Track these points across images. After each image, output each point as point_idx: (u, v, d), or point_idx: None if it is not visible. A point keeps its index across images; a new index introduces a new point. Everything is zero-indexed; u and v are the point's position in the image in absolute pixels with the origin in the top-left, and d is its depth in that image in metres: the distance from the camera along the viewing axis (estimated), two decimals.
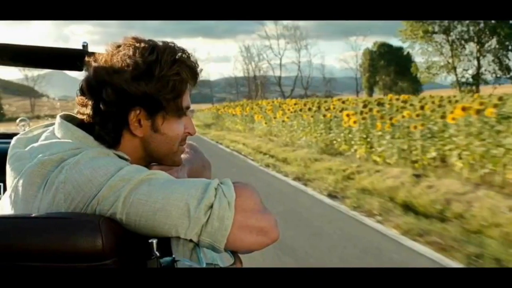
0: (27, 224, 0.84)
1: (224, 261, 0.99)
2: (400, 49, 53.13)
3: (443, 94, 15.81)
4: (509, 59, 38.81)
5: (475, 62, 39.08)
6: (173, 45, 1.02)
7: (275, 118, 15.41)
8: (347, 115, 9.21)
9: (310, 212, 5.98)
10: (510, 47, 38.49)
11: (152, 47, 0.99)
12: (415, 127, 7.27)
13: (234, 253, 0.94)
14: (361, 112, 9.13)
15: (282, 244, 4.15)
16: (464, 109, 6.33)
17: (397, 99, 11.76)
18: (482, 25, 37.98)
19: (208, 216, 0.89)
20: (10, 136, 1.22)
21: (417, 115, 7.62)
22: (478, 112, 6.18)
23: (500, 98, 8.36)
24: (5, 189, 1.00)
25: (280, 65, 71.04)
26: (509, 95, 11.36)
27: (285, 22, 70.51)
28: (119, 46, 1.01)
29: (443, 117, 7.20)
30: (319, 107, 12.82)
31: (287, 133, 13.79)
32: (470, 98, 12.61)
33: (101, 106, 0.97)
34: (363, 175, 7.38)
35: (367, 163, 8.24)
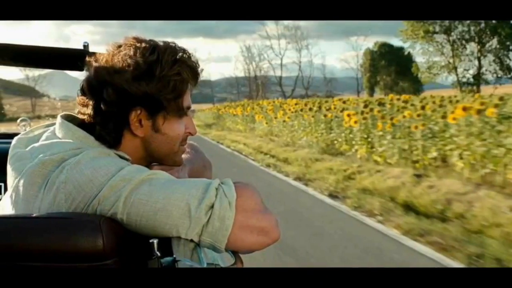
0: (28, 224, 0.84)
1: (225, 261, 0.99)
2: (401, 49, 53.16)
3: (444, 94, 15.81)
4: (510, 59, 38.83)
5: (476, 62, 39.07)
6: (174, 45, 1.02)
7: (276, 118, 15.41)
8: (348, 115, 9.22)
9: (311, 212, 5.98)
10: (511, 47, 38.46)
11: (153, 47, 0.99)
12: (416, 127, 7.27)
13: (235, 253, 0.94)
14: (362, 112, 9.12)
15: (283, 244, 4.15)
16: (465, 109, 6.33)
17: (398, 99, 11.77)
18: (483, 25, 37.95)
19: (209, 216, 0.89)
20: (11, 136, 1.22)
21: (418, 115, 7.62)
22: (479, 112, 6.18)
23: (501, 98, 8.36)
24: (6, 189, 1.00)
25: (281, 65, 71.10)
26: (510, 95, 11.34)
27: (286, 22, 70.59)
28: (120, 46, 1.01)
29: (444, 117, 7.20)
30: (320, 107, 12.82)
31: (288, 133, 13.79)
32: (471, 98, 12.61)
33: (102, 106, 0.97)
34: (364, 175, 7.37)
35: (368, 163, 8.24)
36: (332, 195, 6.62)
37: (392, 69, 53.16)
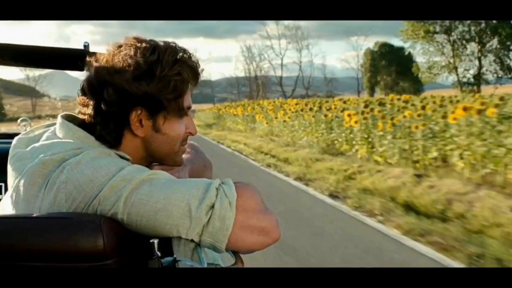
0: (29, 224, 0.84)
1: (226, 261, 0.99)
2: (401, 49, 53.15)
3: (444, 94, 15.81)
4: (510, 59, 38.80)
5: (476, 62, 39.04)
6: (174, 45, 1.02)
7: (276, 118, 15.41)
8: (349, 115, 9.22)
9: (312, 212, 5.98)
10: (511, 47, 38.44)
11: (153, 47, 0.99)
12: (417, 127, 7.27)
13: (236, 253, 0.94)
14: (363, 112, 9.12)
15: (283, 244, 4.15)
16: (465, 109, 6.33)
17: (399, 99, 11.76)
18: (483, 25, 37.93)
19: (209, 216, 0.89)
20: (12, 136, 1.22)
21: (419, 115, 7.62)
22: (480, 112, 6.17)
23: (502, 98, 8.36)
24: (6, 189, 1.00)
25: (282, 65, 71.05)
26: (510, 95, 11.33)
27: (286, 22, 70.55)
28: (120, 46, 1.01)
29: (444, 117, 7.20)
30: (320, 107, 12.81)
31: (288, 133, 13.79)
32: (471, 98, 12.60)
33: (102, 106, 0.97)
34: (364, 175, 7.37)
35: (368, 163, 8.24)
36: (332, 195, 6.62)
37: (392, 69, 53.15)
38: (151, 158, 1.07)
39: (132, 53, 0.98)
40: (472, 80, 39.02)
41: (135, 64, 0.96)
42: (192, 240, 0.90)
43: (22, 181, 0.92)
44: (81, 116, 1.03)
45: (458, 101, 10.87)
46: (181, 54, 1.01)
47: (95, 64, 1.00)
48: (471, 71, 39.34)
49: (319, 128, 11.55)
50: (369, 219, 5.30)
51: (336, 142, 10.45)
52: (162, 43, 1.02)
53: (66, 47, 1.91)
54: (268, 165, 9.86)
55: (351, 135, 9.60)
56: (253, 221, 0.93)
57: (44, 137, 1.01)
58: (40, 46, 1.83)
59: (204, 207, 0.89)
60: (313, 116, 12.01)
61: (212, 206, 0.89)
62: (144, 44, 1.00)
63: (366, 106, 9.60)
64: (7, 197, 0.96)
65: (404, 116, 7.76)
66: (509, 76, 38.83)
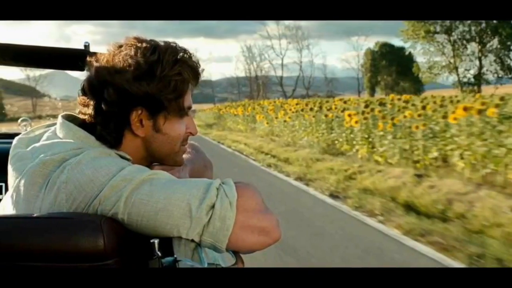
0: (29, 224, 0.84)
1: (226, 261, 0.99)
2: (401, 49, 53.14)
3: (444, 94, 15.79)
4: (510, 59, 38.72)
5: (477, 62, 38.98)
6: (174, 45, 1.02)
7: (276, 118, 15.41)
8: (349, 115, 9.21)
9: (312, 212, 5.98)
10: (511, 47, 38.41)
11: (153, 47, 0.99)
12: (417, 127, 7.27)
13: (236, 253, 0.94)
14: (363, 112, 9.12)
15: (283, 244, 4.15)
16: (465, 109, 6.32)
17: (399, 99, 11.75)
18: (483, 25, 37.88)
19: (210, 216, 0.89)
20: (12, 136, 1.22)
21: (419, 115, 7.61)
22: (480, 112, 6.17)
23: (502, 98, 8.35)
24: (6, 189, 1.00)
25: (282, 65, 71.11)
26: (510, 95, 11.33)
27: (286, 22, 70.63)
28: (120, 46, 1.01)
29: (444, 117, 7.19)
30: (320, 107, 12.81)
31: (288, 133, 13.79)
32: (471, 98, 12.59)
33: (102, 106, 0.97)
34: (364, 175, 7.37)
35: (369, 163, 8.24)
36: (333, 195, 6.62)
37: (393, 69, 53.16)
38: (152, 158, 1.07)
39: (132, 53, 0.98)
40: (472, 80, 38.97)
41: (135, 64, 0.96)
42: (192, 240, 0.90)
43: (22, 181, 0.92)
44: (81, 116, 1.03)
45: (458, 101, 10.87)
46: (181, 54, 1.01)
47: (95, 64, 1.00)
48: (472, 71, 39.32)
49: (319, 128, 11.55)
50: (370, 219, 5.29)
51: (336, 142, 10.45)
52: (162, 43, 1.02)
53: (67, 47, 1.91)
54: (269, 165, 9.86)
55: (352, 135, 9.60)
56: (254, 221, 0.93)
57: (44, 137, 1.01)
58: (41, 46, 1.83)
59: (205, 207, 0.89)
60: (314, 116, 12.01)
61: (213, 206, 0.89)
62: (144, 44, 1.00)
63: (366, 106, 9.60)
64: (8, 197, 0.96)
65: (405, 116, 7.76)
66: (510, 76, 38.76)
